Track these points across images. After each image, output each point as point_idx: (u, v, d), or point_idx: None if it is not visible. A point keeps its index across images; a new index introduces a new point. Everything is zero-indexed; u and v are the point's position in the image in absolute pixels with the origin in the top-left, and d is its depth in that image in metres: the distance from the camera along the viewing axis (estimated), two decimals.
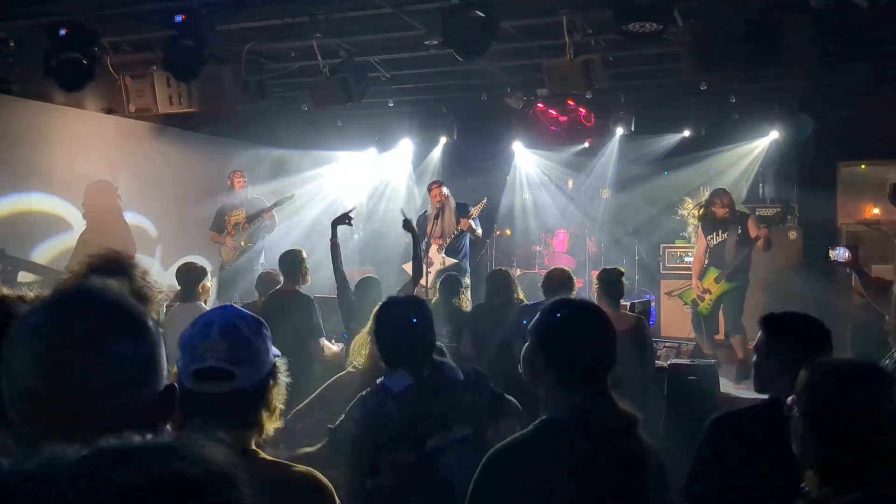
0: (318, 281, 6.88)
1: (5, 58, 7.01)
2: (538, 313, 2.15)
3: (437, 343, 3.06)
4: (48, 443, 1.02)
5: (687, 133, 9.92)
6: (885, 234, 9.14)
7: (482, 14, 5.61)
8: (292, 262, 5.87)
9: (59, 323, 1.06)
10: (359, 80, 7.44)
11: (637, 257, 10.22)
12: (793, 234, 9.33)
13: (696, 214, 7.93)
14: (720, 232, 7.46)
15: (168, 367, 1.21)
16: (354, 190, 11.17)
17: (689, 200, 9.35)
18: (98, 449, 0.61)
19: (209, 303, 6.12)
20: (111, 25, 6.82)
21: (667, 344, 8.34)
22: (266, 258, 8.65)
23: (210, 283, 5.72)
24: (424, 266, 7.86)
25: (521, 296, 5.99)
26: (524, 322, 3.03)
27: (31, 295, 1.64)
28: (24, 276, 7.33)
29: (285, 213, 9.32)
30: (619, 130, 9.81)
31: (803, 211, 9.78)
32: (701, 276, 7.60)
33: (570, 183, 11.45)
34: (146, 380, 1.11)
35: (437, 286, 6.39)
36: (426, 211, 8.59)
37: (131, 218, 8.62)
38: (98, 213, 8.25)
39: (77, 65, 6.60)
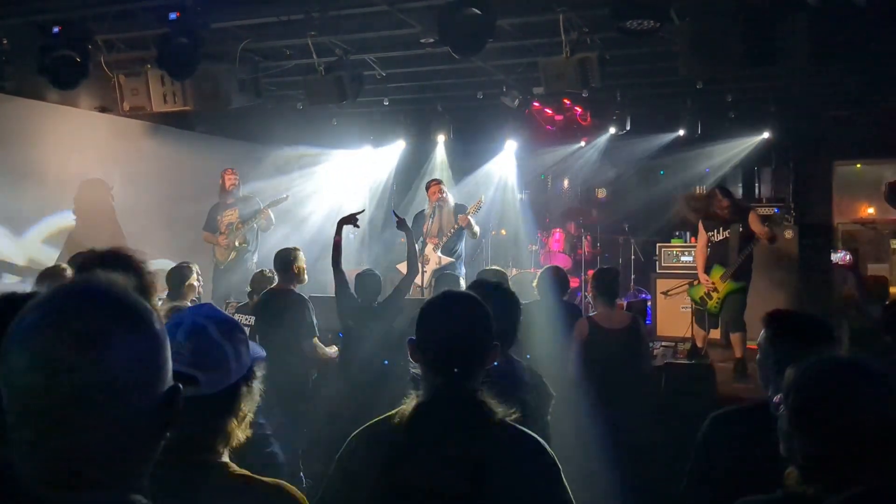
0: (317, 280, 6.86)
1: None
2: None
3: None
4: (43, 444, 1.00)
5: (683, 132, 9.92)
6: (881, 234, 9.16)
7: (478, 12, 5.58)
8: (284, 260, 5.83)
9: (60, 319, 1.01)
10: (354, 78, 7.41)
11: (633, 256, 10.22)
12: (789, 234, 9.33)
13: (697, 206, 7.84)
14: (721, 229, 7.43)
15: None
16: (352, 189, 11.14)
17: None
18: None
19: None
20: (105, 23, 6.78)
21: (663, 343, 8.34)
22: (260, 257, 8.62)
23: (196, 281, 5.63)
24: (420, 265, 7.85)
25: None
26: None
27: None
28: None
29: (284, 214, 9.27)
30: (615, 129, 9.81)
31: (799, 210, 9.79)
32: (706, 272, 7.53)
33: (566, 182, 11.44)
34: (149, 381, 1.06)
35: (434, 285, 6.37)
36: (423, 209, 8.57)
37: (130, 217, 8.58)
38: (89, 210, 8.22)
39: (71, 63, 6.57)
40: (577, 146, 10.87)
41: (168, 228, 8.77)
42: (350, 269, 6.09)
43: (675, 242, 10.04)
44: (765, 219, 7.84)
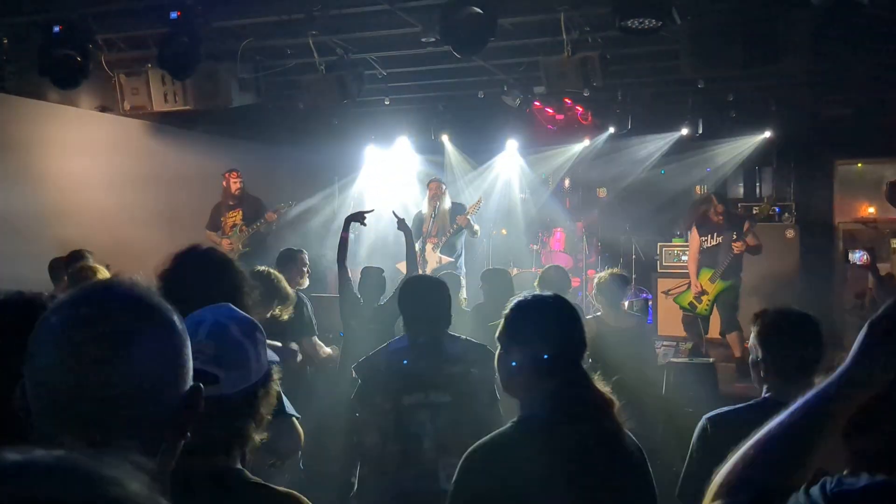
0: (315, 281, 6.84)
1: None
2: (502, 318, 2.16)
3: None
4: (69, 442, 1.01)
5: (684, 131, 9.91)
6: (882, 233, 9.16)
7: (479, 11, 5.58)
8: (286, 259, 5.83)
9: (87, 319, 1.03)
10: (355, 77, 7.40)
11: (634, 256, 10.21)
12: (790, 233, 9.33)
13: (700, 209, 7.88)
14: (715, 235, 7.50)
15: None
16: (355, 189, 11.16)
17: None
18: None
19: None
20: (106, 23, 6.78)
21: (665, 342, 8.34)
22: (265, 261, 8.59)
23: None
24: (420, 264, 7.85)
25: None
26: None
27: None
28: None
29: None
30: (616, 129, 9.79)
31: (800, 209, 9.78)
32: (696, 274, 7.60)
33: (567, 181, 11.43)
34: (172, 380, 1.08)
35: None
36: (422, 209, 8.56)
37: (130, 217, 8.57)
38: (89, 211, 8.21)
39: (71, 62, 6.56)
40: (578, 145, 10.86)
41: (168, 228, 8.76)
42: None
43: (676, 242, 10.03)
44: (758, 217, 7.90)
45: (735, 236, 7.34)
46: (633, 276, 10.06)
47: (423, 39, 6.86)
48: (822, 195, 9.61)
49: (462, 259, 8.48)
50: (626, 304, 5.89)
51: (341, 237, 5.52)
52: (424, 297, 3.51)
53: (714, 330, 7.72)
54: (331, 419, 4.54)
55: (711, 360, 6.63)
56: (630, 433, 2.11)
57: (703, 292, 7.46)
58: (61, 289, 5.32)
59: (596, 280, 5.56)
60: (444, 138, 10.62)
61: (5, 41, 6.82)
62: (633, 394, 5.03)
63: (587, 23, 6.47)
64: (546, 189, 11.47)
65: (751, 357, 2.67)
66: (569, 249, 10.25)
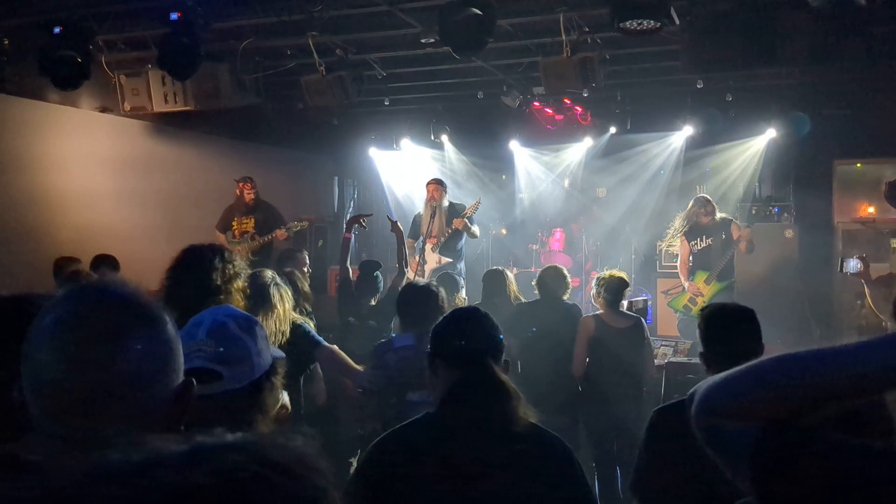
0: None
1: (0, 56, 6.97)
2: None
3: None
4: (65, 436, 1.04)
5: (683, 131, 9.92)
6: (881, 233, 9.16)
7: (479, 12, 5.59)
8: (285, 259, 5.89)
9: (81, 317, 1.08)
10: (355, 78, 7.42)
11: (633, 256, 10.22)
12: (789, 233, 9.34)
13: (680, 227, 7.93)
14: (704, 238, 7.54)
15: None
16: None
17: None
18: (197, 443, 0.63)
19: None
20: (106, 23, 6.79)
21: (664, 342, 8.34)
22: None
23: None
24: (419, 264, 7.86)
25: (519, 295, 5.99)
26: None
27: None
28: None
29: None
30: (616, 129, 9.80)
31: (799, 209, 9.79)
32: (689, 278, 7.66)
33: (567, 181, 11.44)
34: (163, 375, 1.12)
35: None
36: (421, 210, 8.57)
37: (130, 217, 8.58)
38: (89, 211, 8.22)
39: (72, 63, 6.58)
40: (577, 146, 10.87)
41: (168, 229, 8.78)
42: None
43: (675, 242, 10.03)
44: (756, 217, 7.93)
45: (723, 235, 7.42)
46: (633, 276, 10.07)
47: (423, 40, 6.88)
48: (821, 195, 9.61)
49: (462, 261, 8.49)
50: (626, 304, 5.89)
51: (343, 238, 5.66)
52: (421, 304, 3.84)
53: None
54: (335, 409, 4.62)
55: None
56: (542, 424, 2.15)
57: (699, 294, 7.49)
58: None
59: (596, 280, 5.57)
60: (444, 138, 10.63)
61: (6, 42, 6.83)
62: (632, 392, 5.08)
63: (586, 23, 6.49)
64: (546, 189, 11.48)
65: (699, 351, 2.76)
66: (568, 249, 10.26)
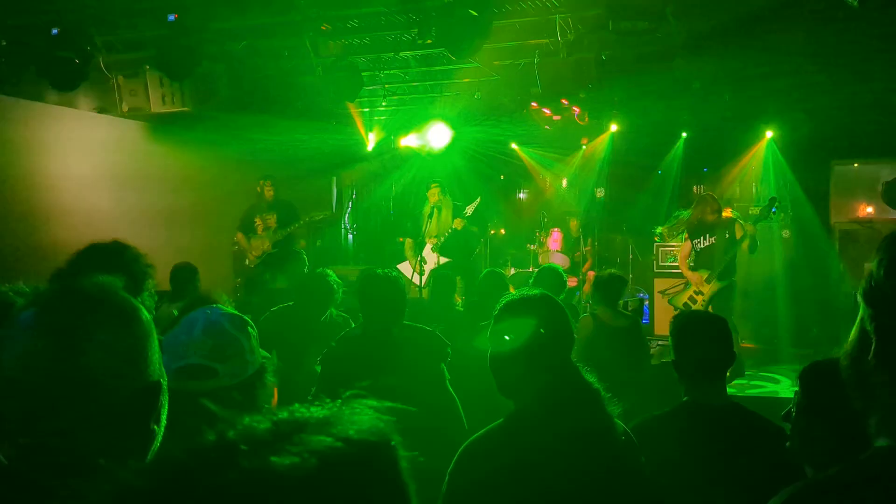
0: None
1: None
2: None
3: None
4: (30, 434, 1.05)
5: (681, 131, 9.93)
6: (878, 233, 9.17)
7: (475, 13, 5.61)
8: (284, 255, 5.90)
9: (41, 315, 1.09)
10: (352, 78, 7.43)
11: (631, 256, 10.24)
12: (786, 233, 9.36)
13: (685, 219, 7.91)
14: (708, 236, 7.51)
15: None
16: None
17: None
18: (278, 420, 0.65)
19: None
20: (104, 24, 6.80)
21: (660, 342, 8.37)
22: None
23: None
24: (419, 264, 7.88)
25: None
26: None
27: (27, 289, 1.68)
28: None
29: None
30: (613, 129, 9.81)
31: (797, 209, 9.80)
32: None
33: (564, 181, 11.46)
34: (129, 374, 1.11)
35: (431, 284, 6.39)
36: (422, 210, 8.60)
37: (129, 218, 8.59)
38: (88, 212, 8.23)
39: (69, 64, 6.58)
40: (575, 146, 10.89)
41: (167, 229, 8.79)
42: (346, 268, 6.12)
43: (673, 242, 10.05)
44: (755, 217, 7.91)
45: (727, 234, 7.36)
46: (630, 276, 10.09)
47: (419, 41, 6.89)
48: (819, 195, 9.63)
49: (462, 259, 8.51)
50: (622, 303, 5.91)
51: None
52: (379, 289, 3.69)
53: None
54: None
55: None
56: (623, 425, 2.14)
57: (698, 292, 7.48)
58: None
59: (595, 279, 5.59)
60: (443, 138, 10.60)
61: (3, 43, 6.84)
62: (627, 392, 5.09)
63: (582, 24, 6.50)
64: (544, 189, 11.50)
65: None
66: (566, 249, 10.27)
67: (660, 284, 9.47)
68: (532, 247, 10.49)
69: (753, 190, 10.50)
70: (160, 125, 8.86)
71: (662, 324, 9.16)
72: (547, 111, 9.90)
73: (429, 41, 6.63)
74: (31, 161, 7.71)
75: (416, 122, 10.21)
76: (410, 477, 0.70)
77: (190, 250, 8.60)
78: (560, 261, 9.50)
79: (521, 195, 11.59)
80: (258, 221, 8.70)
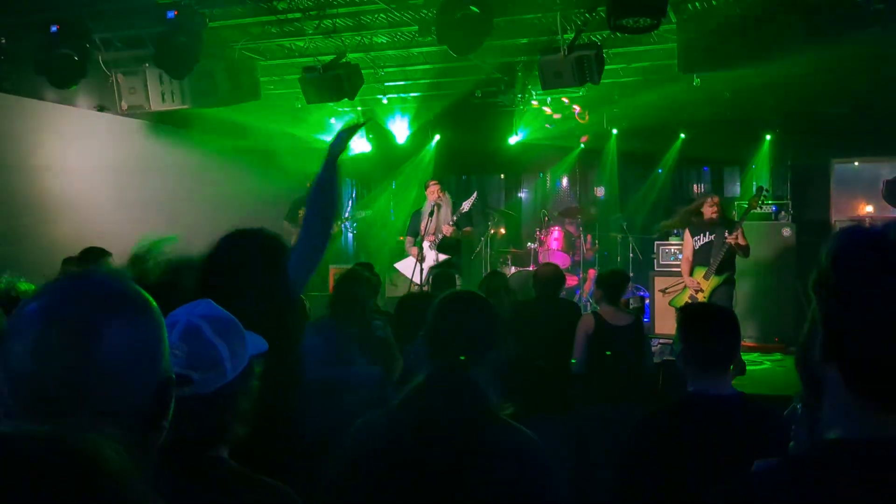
0: None
1: None
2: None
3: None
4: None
5: (681, 130, 9.92)
6: None
7: (476, 10, 5.60)
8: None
9: (52, 307, 1.05)
10: (352, 76, 7.42)
11: (631, 255, 10.22)
12: (786, 231, 9.34)
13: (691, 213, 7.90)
14: (707, 233, 7.51)
15: None
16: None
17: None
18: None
19: None
20: (103, 22, 6.79)
21: (661, 341, 8.35)
22: None
23: None
24: (418, 262, 7.87)
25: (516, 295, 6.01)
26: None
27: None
28: None
29: None
30: (614, 127, 9.80)
31: (797, 207, 9.79)
32: (690, 274, 7.62)
33: (565, 180, 11.44)
34: (140, 370, 1.08)
35: (430, 282, 6.38)
36: (421, 208, 8.59)
37: (128, 216, 8.58)
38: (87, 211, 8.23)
39: (69, 61, 6.57)
40: (575, 144, 10.87)
41: (166, 228, 8.76)
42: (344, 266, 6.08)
43: (673, 241, 10.04)
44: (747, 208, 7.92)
45: (727, 233, 7.35)
46: (631, 275, 10.07)
47: (420, 38, 6.89)
48: (819, 193, 9.62)
49: (461, 258, 8.52)
50: (623, 301, 5.90)
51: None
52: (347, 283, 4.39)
53: None
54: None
55: None
56: (514, 422, 2.08)
57: (699, 290, 7.46)
58: None
59: (596, 277, 5.58)
60: (442, 136, 10.64)
61: (3, 40, 6.83)
62: (629, 391, 5.08)
63: (583, 21, 6.49)
64: (544, 187, 11.49)
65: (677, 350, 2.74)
66: (566, 248, 10.26)
67: (660, 283, 9.44)
68: (532, 245, 10.48)
69: (753, 189, 10.48)
70: (159, 123, 8.84)
71: (662, 322, 9.13)
72: (547, 109, 9.90)
73: (430, 38, 6.64)
74: (30, 159, 7.69)
75: (415, 121, 10.23)
76: None
77: (190, 249, 8.57)
78: (560, 260, 9.49)
79: (521, 194, 11.56)
80: (300, 212, 8.72)
